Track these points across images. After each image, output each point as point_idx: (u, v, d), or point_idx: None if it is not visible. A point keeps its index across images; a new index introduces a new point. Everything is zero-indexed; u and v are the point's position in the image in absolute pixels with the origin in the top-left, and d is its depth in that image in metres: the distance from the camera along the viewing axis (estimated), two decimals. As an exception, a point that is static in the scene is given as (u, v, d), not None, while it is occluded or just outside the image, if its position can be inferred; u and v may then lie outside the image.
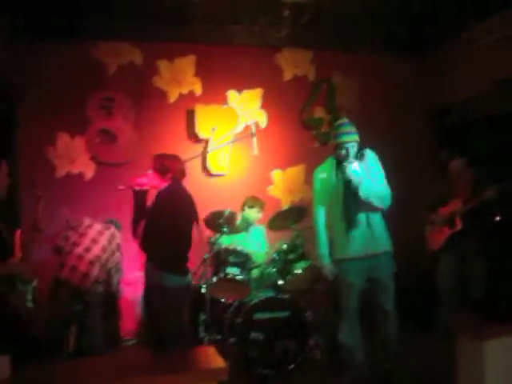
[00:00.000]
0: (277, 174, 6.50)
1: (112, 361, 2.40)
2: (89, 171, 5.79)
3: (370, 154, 4.10)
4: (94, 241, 4.56)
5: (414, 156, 6.59)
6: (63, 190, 5.53)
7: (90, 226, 4.67)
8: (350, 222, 3.96)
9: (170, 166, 3.75)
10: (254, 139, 4.85)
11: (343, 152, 3.96)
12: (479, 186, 4.62)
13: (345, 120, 4.12)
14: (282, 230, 5.25)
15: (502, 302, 3.01)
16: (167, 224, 3.60)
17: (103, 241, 4.60)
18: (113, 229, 4.78)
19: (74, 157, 5.73)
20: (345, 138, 3.96)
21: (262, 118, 6.43)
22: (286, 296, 4.73)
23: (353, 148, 3.97)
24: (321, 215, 4.16)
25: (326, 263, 4.12)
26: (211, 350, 2.34)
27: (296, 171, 6.57)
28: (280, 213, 5.01)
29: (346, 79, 6.77)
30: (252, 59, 6.34)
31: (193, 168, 5.93)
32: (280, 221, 5.06)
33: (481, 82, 5.74)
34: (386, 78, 6.78)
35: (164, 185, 3.74)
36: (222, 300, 4.87)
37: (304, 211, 5.12)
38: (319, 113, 6.71)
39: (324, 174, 4.16)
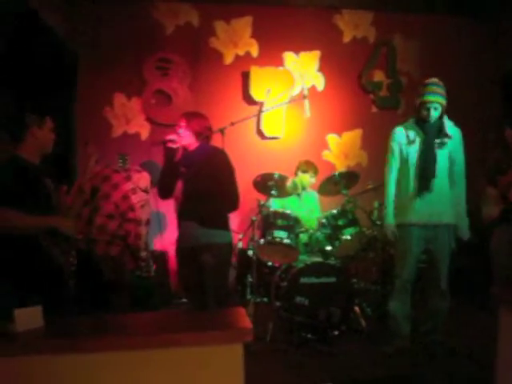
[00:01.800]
0: (332, 139, 6.41)
1: (143, 318, 2.45)
2: (144, 131, 5.88)
3: (455, 129, 4.02)
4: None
5: (478, 124, 6.33)
6: (119, 150, 5.63)
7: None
8: (420, 187, 3.91)
9: (199, 126, 3.62)
10: (306, 101, 4.74)
11: (425, 112, 3.88)
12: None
13: (436, 80, 3.95)
14: (333, 196, 5.19)
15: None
16: (203, 182, 3.54)
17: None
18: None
19: (130, 117, 5.84)
20: (430, 98, 3.85)
21: (320, 81, 6.33)
22: (334, 262, 4.68)
23: (436, 110, 3.88)
24: (393, 174, 4.07)
25: (390, 223, 4.05)
26: (241, 311, 2.34)
27: (352, 136, 6.46)
28: (331, 178, 4.92)
29: (408, 42, 6.55)
30: (310, 20, 6.22)
31: (247, 130, 5.94)
32: (331, 186, 4.97)
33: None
34: (449, 42, 6.50)
35: (195, 144, 3.66)
36: (269, 263, 4.88)
37: (356, 177, 5.03)
38: (379, 76, 6.53)
39: (404, 132, 4.05)
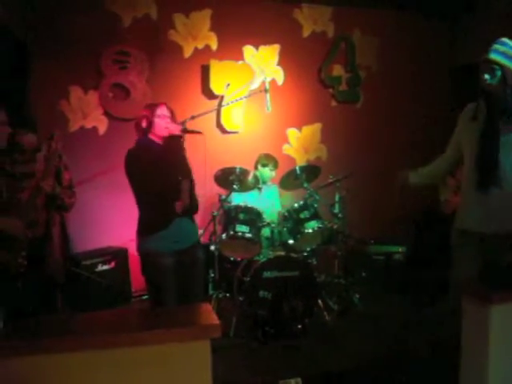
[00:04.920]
0: (292, 133, 6.41)
1: (107, 317, 2.39)
2: (102, 126, 5.75)
3: None
4: None
5: (435, 116, 6.45)
6: (76, 144, 5.50)
7: None
8: (478, 181, 3.04)
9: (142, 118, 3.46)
10: (268, 96, 4.72)
11: (485, 75, 2.98)
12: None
13: (507, 40, 3.01)
14: (295, 189, 5.20)
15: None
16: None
17: None
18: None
19: (87, 111, 5.68)
20: (494, 57, 2.95)
21: (279, 75, 6.31)
22: (296, 255, 4.69)
23: (498, 72, 2.94)
24: (441, 160, 3.39)
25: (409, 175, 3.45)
26: (207, 307, 2.32)
27: (312, 130, 6.48)
28: (292, 171, 4.92)
29: (366, 37, 6.61)
30: (270, 14, 6.19)
31: (207, 124, 5.86)
32: (292, 179, 4.98)
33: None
34: (407, 37, 6.60)
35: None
36: (232, 258, 4.85)
37: (317, 170, 5.05)
38: (338, 71, 6.57)
39: (472, 106, 3.19)
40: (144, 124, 3.43)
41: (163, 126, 3.41)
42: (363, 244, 5.91)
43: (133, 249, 4.15)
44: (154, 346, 2.07)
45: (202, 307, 2.33)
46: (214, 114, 5.98)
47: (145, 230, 3.43)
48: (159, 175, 3.25)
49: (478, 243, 3.06)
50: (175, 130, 3.39)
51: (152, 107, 3.48)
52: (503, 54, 2.95)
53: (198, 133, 3.58)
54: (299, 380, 2.70)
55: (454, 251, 3.23)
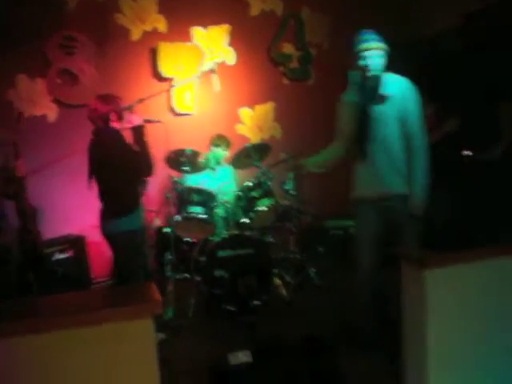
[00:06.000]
0: (245, 112, 6.43)
1: (51, 301, 2.41)
2: (52, 113, 5.68)
3: (403, 84, 3.45)
4: None
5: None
6: (27, 133, 5.42)
7: None
8: (358, 154, 3.51)
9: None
10: (215, 76, 4.74)
11: (363, 62, 3.35)
12: (443, 118, 4.57)
13: (369, 31, 3.44)
14: (247, 168, 5.23)
15: (451, 234, 3.04)
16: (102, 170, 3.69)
17: None
18: None
19: (35, 99, 5.60)
20: (366, 46, 3.34)
21: (230, 55, 6.30)
22: (251, 233, 4.75)
23: (378, 59, 3.36)
24: (333, 146, 3.73)
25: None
26: (149, 285, 2.34)
27: (265, 109, 6.51)
28: (243, 150, 4.95)
29: (316, 14, 6.63)
30: (218, -6, 6.16)
31: (159, 108, 5.84)
32: (244, 158, 5.00)
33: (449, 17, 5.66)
34: (358, 15, 6.61)
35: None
36: (187, 239, 4.89)
37: (268, 148, 5.08)
38: (288, 49, 6.59)
39: (346, 96, 3.61)
40: (114, 117, 3.69)
41: (128, 117, 3.76)
42: (320, 219, 6.00)
43: (92, 236, 4.18)
44: (98, 325, 2.09)
45: (145, 286, 2.36)
46: (165, 98, 5.96)
47: (116, 212, 3.69)
48: (128, 161, 3.63)
49: (373, 206, 3.50)
50: (138, 120, 3.75)
51: (116, 100, 3.76)
52: (373, 39, 3.35)
53: (158, 122, 4.02)
54: (248, 352, 2.77)
55: (356, 216, 3.66)
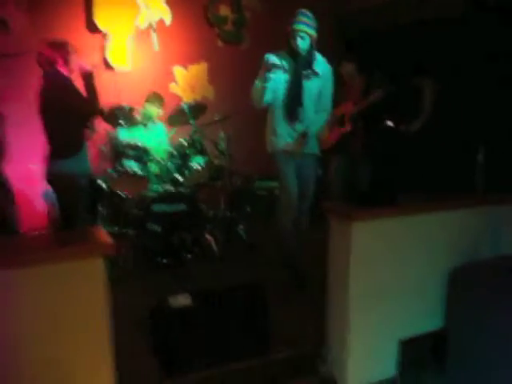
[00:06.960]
0: (178, 71, 6.44)
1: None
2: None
3: (326, 66, 4.15)
4: None
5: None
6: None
7: None
8: (288, 116, 4.09)
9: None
10: (154, 35, 4.75)
11: (297, 40, 3.93)
12: (369, 90, 4.82)
13: (305, 10, 4.01)
14: (181, 126, 5.30)
15: (374, 192, 3.34)
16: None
17: None
18: None
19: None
20: (303, 27, 3.92)
21: (167, 14, 6.24)
22: (184, 190, 4.86)
23: (303, 40, 3.95)
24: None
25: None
26: (101, 229, 2.44)
27: (198, 69, 6.54)
28: (179, 109, 5.02)
29: (252, -23, 6.68)
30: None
31: (93, 60, 5.74)
32: (178, 117, 5.08)
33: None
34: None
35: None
36: (121, 193, 4.93)
37: (203, 108, 5.18)
38: (224, 11, 6.63)
39: (277, 59, 4.04)
40: (61, 62, 3.78)
41: (76, 62, 3.86)
42: (248, 181, 6.17)
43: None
44: (50, 265, 2.17)
45: (97, 229, 2.45)
46: (99, 51, 5.87)
47: (63, 153, 3.81)
48: (76, 105, 3.78)
49: (293, 160, 4.13)
50: (87, 67, 3.87)
51: (64, 45, 3.84)
52: (307, 24, 3.93)
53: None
54: (187, 295, 2.93)
55: (280, 167, 4.16)
